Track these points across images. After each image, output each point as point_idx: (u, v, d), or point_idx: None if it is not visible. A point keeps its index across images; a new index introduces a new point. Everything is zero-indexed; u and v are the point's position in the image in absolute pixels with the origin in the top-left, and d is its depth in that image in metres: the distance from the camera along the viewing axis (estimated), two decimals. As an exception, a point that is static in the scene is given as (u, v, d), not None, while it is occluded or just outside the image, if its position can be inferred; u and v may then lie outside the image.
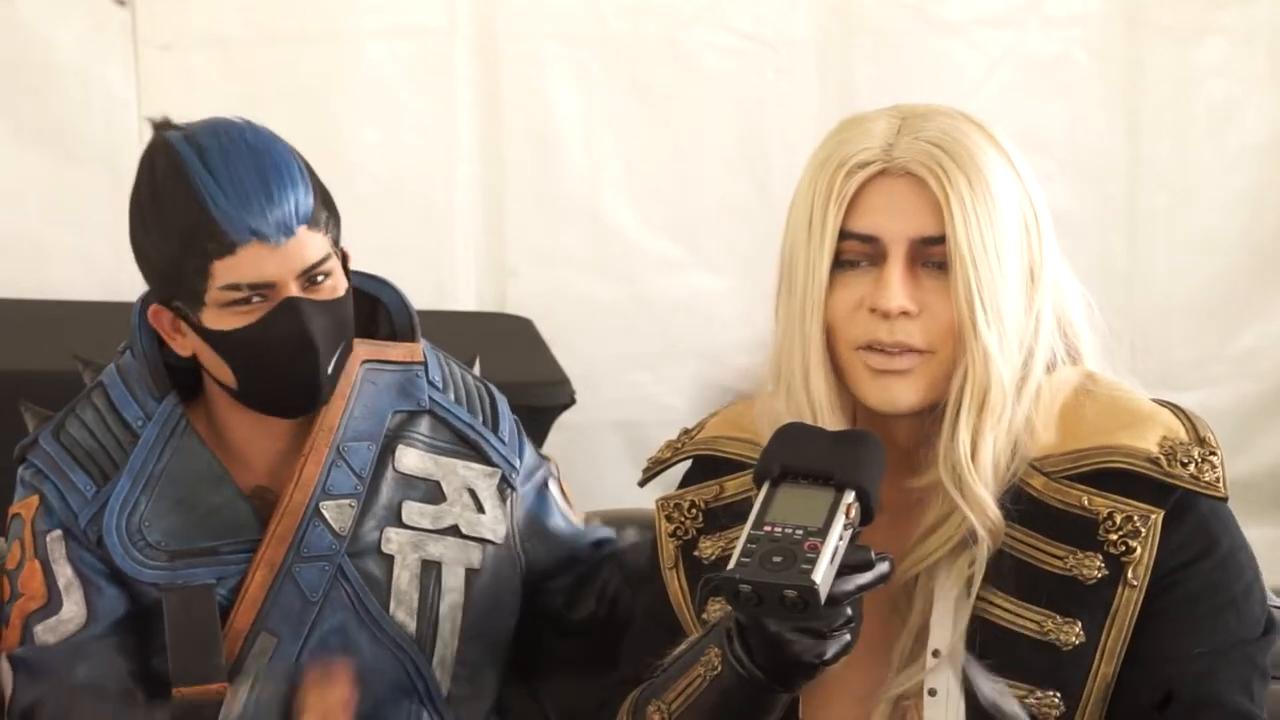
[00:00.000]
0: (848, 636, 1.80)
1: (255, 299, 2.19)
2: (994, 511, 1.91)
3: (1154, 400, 1.99)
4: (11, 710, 2.23)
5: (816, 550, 1.73)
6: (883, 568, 1.80)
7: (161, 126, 2.25)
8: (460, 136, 4.34)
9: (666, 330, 4.39)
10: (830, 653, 1.79)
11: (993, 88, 4.42)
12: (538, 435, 3.68)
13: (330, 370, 2.23)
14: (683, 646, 1.96)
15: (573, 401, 3.84)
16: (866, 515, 1.79)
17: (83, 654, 2.25)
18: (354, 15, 4.28)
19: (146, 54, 4.23)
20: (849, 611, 1.79)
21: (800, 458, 1.80)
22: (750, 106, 4.41)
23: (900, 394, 1.91)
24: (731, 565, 1.74)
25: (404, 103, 4.30)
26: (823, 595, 1.72)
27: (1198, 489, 1.91)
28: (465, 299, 4.35)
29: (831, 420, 1.91)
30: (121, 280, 4.12)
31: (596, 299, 4.37)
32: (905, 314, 1.89)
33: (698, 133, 4.40)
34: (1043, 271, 1.93)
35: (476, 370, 2.46)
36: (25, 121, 4.21)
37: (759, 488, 1.80)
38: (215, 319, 2.20)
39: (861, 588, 1.78)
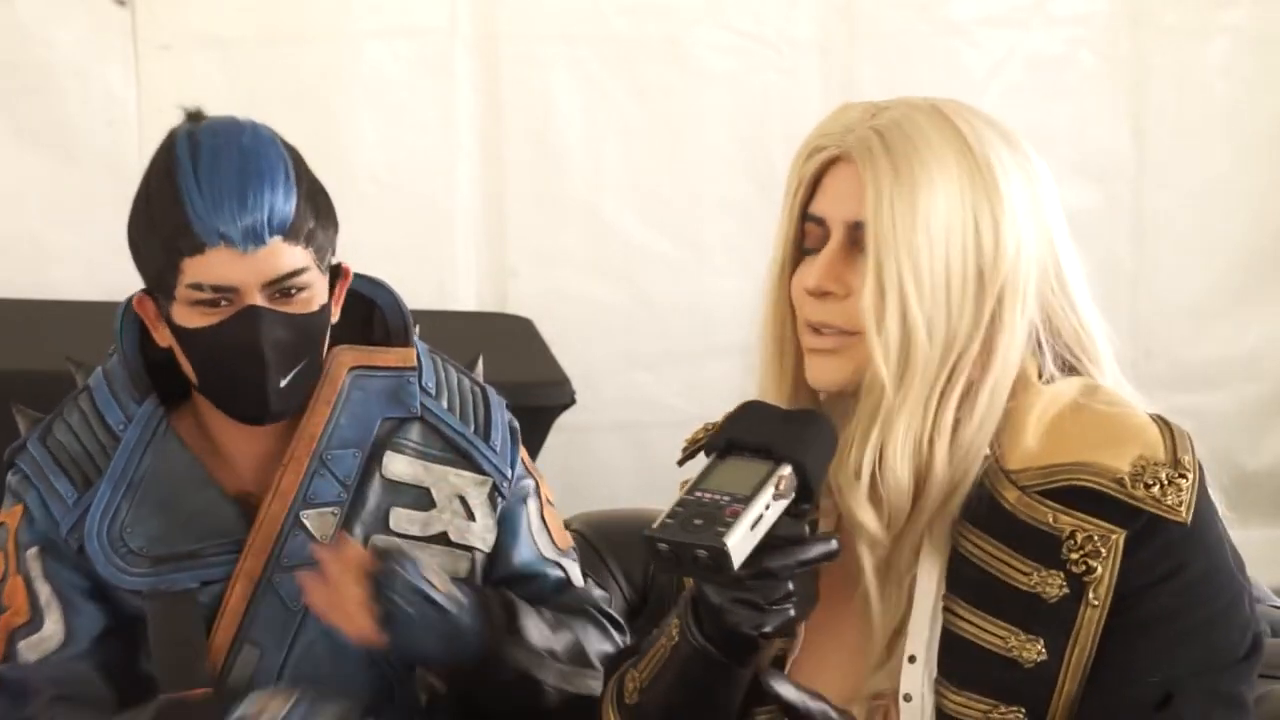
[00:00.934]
0: (790, 612, 1.80)
1: (222, 302, 2.18)
2: (872, 522, 1.89)
3: (1151, 415, 1.96)
4: None
5: (736, 515, 1.74)
6: (828, 545, 1.80)
7: (193, 117, 2.25)
8: (460, 137, 4.33)
9: (667, 330, 4.38)
10: (769, 626, 1.80)
11: (997, 88, 4.41)
12: (538, 435, 3.67)
13: (283, 384, 2.21)
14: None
15: (573, 401, 3.83)
16: (805, 492, 1.79)
17: (61, 672, 2.24)
18: (354, 15, 4.28)
19: (146, 54, 4.22)
20: (789, 586, 1.79)
21: (747, 432, 1.81)
22: (752, 107, 4.40)
23: (826, 371, 1.90)
24: (656, 525, 1.76)
25: (404, 103, 4.29)
26: (735, 559, 1.73)
27: (1158, 511, 1.87)
28: (466, 299, 4.34)
29: (793, 403, 1.92)
30: (121, 280, 4.12)
31: (596, 299, 4.36)
32: (829, 294, 1.89)
33: (699, 133, 4.40)
34: (997, 276, 1.89)
35: (479, 370, 2.45)
36: (25, 121, 4.21)
37: (707, 459, 1.82)
38: (182, 315, 2.20)
39: (802, 563, 1.79)
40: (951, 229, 1.87)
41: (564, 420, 3.85)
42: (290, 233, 2.18)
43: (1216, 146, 4.52)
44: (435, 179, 4.33)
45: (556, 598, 2.37)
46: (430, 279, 4.22)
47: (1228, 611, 1.91)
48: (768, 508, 1.76)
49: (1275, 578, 2.26)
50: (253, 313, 2.18)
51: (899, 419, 1.87)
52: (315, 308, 2.22)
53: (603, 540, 2.66)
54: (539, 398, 3.70)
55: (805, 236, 1.92)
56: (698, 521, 1.74)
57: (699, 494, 1.77)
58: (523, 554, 2.37)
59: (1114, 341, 1.98)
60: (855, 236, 1.89)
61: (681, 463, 2.11)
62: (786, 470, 1.78)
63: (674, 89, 4.37)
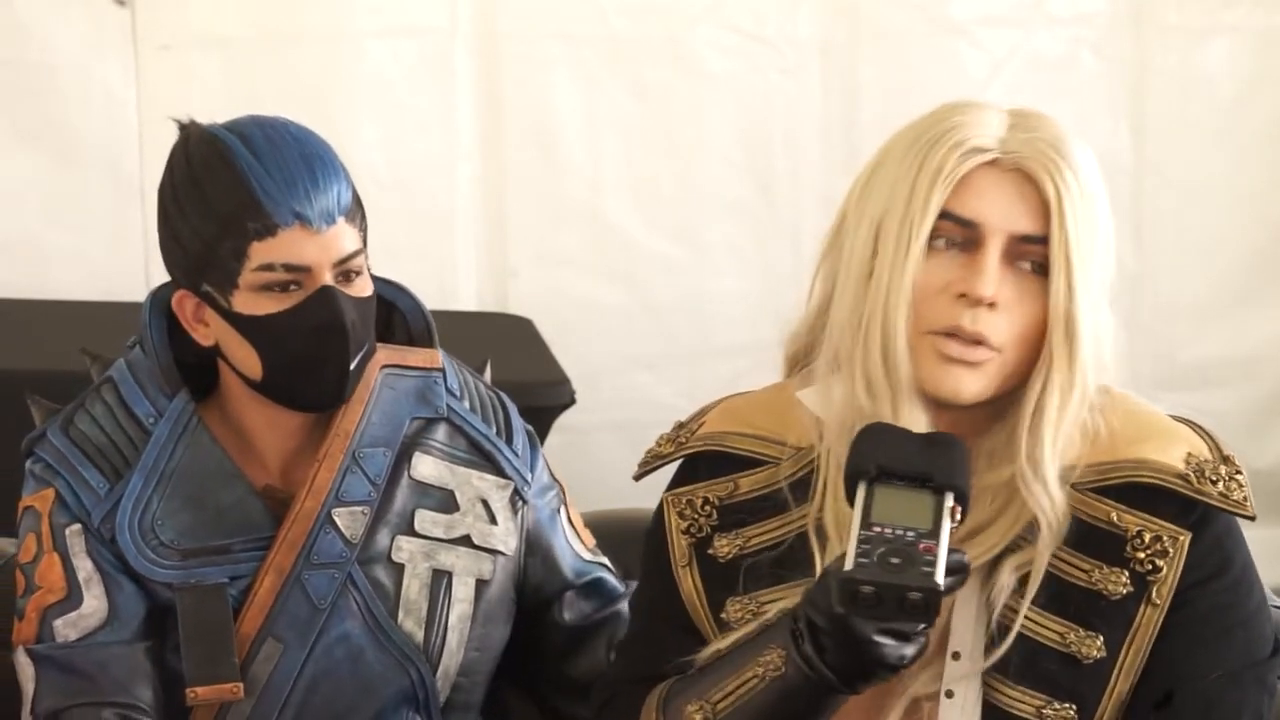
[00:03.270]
0: (924, 639, 1.79)
1: (292, 286, 2.18)
2: (1065, 511, 1.89)
3: (1170, 416, 1.98)
4: (35, 708, 2.21)
5: (932, 552, 1.73)
6: (967, 569, 1.81)
7: (189, 127, 2.25)
8: (460, 136, 4.33)
9: (667, 330, 4.38)
10: (910, 654, 1.78)
11: (998, 88, 4.41)
12: (538, 435, 3.67)
13: (354, 365, 2.22)
14: (725, 644, 1.93)
15: (573, 401, 3.83)
16: (962, 519, 1.80)
17: (110, 660, 2.23)
18: (354, 15, 4.28)
19: (146, 54, 4.22)
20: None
21: (896, 459, 1.79)
22: (753, 107, 4.40)
23: (968, 385, 1.88)
24: (849, 566, 1.73)
25: (404, 103, 4.29)
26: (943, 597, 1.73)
27: (1227, 507, 1.90)
28: (466, 299, 4.34)
29: (911, 405, 1.89)
30: (121, 280, 4.12)
31: (597, 299, 4.36)
32: (992, 305, 1.87)
33: (699, 133, 4.39)
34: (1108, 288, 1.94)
35: (487, 376, 2.45)
36: (25, 121, 4.21)
37: (852, 486, 1.80)
38: (247, 303, 2.19)
39: (949, 589, 1.78)
40: (1109, 247, 1.93)
41: (564, 420, 3.85)
42: (350, 216, 2.21)
43: (1216, 146, 4.52)
44: (435, 179, 4.33)
45: (602, 603, 2.39)
46: (430, 279, 4.21)
47: (1262, 605, 1.95)
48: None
49: (1275, 578, 2.26)
50: (331, 292, 2.18)
51: (1076, 422, 1.90)
52: (370, 292, 2.24)
53: (602, 540, 2.66)
54: (539, 398, 3.69)
55: (932, 231, 1.89)
56: (895, 560, 1.73)
57: (877, 529, 1.75)
58: (571, 561, 2.39)
59: (1116, 339, 1.99)
60: (1016, 248, 1.88)
61: (639, 477, 2.10)
62: (952, 500, 1.77)
63: (674, 89, 4.36)
